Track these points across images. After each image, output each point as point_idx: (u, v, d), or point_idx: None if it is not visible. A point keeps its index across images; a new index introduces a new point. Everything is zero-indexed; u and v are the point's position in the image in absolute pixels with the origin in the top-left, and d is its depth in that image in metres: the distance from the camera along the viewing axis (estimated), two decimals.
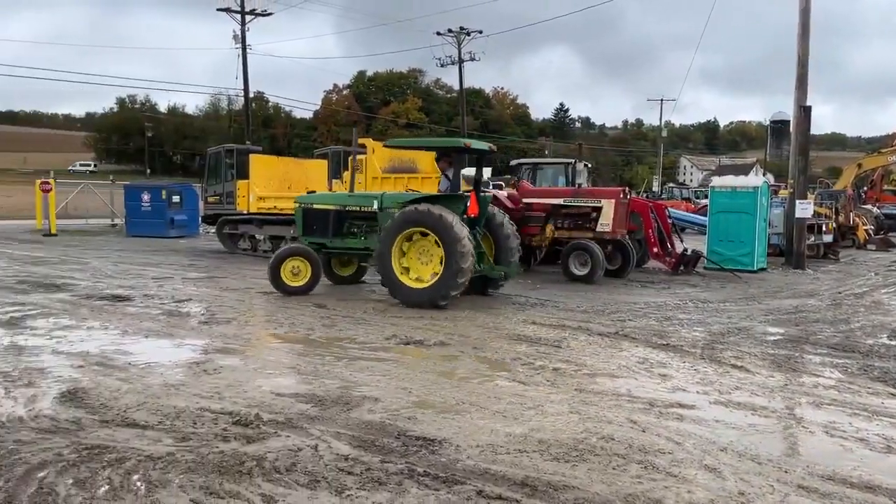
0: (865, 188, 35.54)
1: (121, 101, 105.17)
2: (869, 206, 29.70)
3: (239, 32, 38.58)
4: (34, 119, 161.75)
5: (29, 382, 5.54)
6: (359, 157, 21.04)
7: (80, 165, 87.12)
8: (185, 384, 5.63)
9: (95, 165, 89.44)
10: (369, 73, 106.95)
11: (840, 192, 25.71)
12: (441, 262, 9.43)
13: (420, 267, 9.74)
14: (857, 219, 23.94)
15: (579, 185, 13.97)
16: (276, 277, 10.32)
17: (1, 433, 4.34)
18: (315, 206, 11.02)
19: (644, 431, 4.73)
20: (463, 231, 9.30)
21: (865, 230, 24.11)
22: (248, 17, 38.86)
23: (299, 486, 3.70)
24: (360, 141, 22.57)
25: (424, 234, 9.59)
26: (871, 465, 4.22)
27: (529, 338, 7.72)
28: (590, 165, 15.31)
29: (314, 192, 11.54)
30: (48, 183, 24.01)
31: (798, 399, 5.70)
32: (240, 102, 63.53)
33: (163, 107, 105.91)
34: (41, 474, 3.71)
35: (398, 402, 5.27)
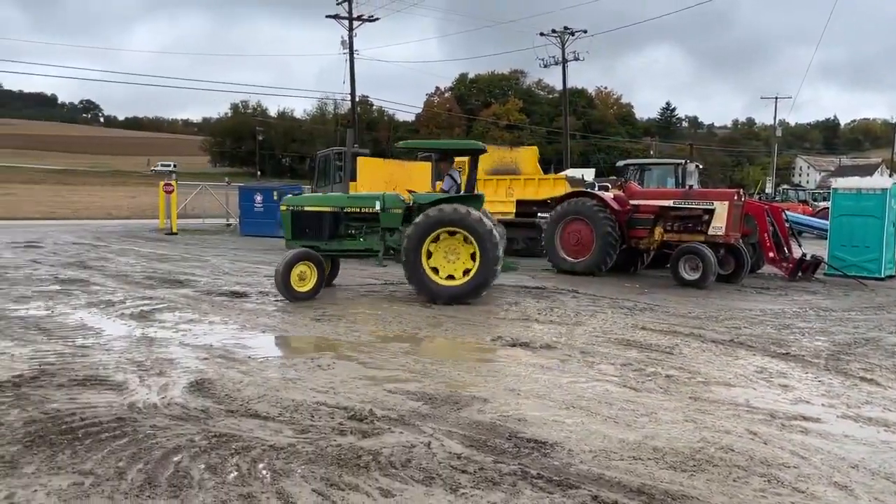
0: None
1: (234, 107, 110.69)
2: None
3: (347, 38, 39.71)
4: (156, 124, 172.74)
5: (160, 372, 5.91)
6: (463, 159, 21.26)
7: (161, 166, 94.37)
8: (301, 378, 5.85)
9: (175, 165, 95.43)
10: (471, 75, 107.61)
11: None
12: (471, 260, 9.81)
13: (446, 265, 9.91)
14: None
15: (690, 186, 13.52)
16: (287, 284, 9.81)
17: (138, 418, 4.65)
18: (306, 209, 10.63)
19: (766, 444, 4.53)
20: (494, 231, 9.76)
21: None
22: (355, 23, 39.95)
23: (415, 482, 3.78)
24: None
25: (452, 234, 9.83)
26: None
27: (639, 343, 7.55)
28: (701, 166, 14.79)
29: (300, 194, 11.28)
30: (171, 185, 25.50)
31: None
32: (345, 106, 65.33)
33: (273, 111, 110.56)
34: (176, 458, 3.95)
35: (507, 403, 5.28)
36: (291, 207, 10.66)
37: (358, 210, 10.55)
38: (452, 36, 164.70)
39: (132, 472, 3.75)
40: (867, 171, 68.84)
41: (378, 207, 10.40)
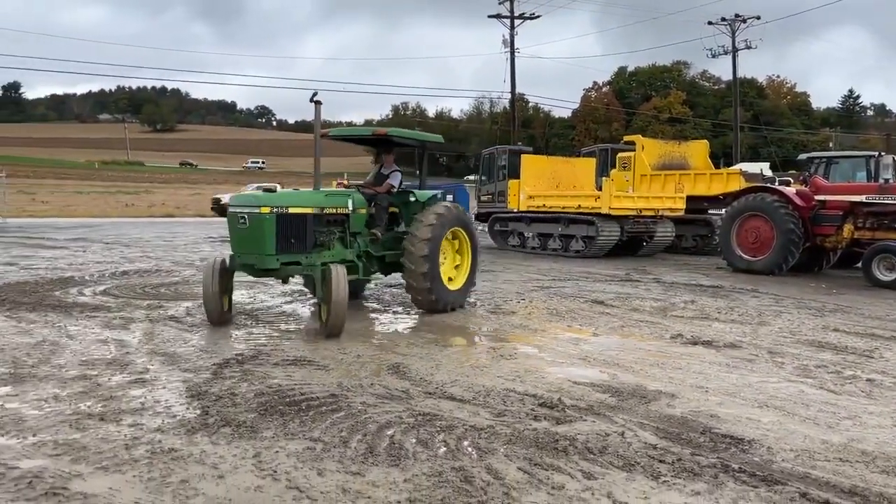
0: None
1: (395, 109, 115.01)
2: None
3: (508, 37, 40.07)
4: (323, 127, 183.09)
5: (358, 356, 6.40)
6: (627, 154, 20.88)
7: (251, 163, 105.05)
8: (487, 366, 6.12)
9: (263, 162, 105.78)
10: (630, 68, 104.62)
11: None
12: (458, 263, 9.28)
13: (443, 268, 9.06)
14: None
15: (886, 180, 12.50)
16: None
17: (348, 395, 5.09)
18: (290, 211, 7.73)
19: None
20: None
21: None
22: (516, 22, 40.24)
23: (614, 467, 3.89)
24: (629, 138, 22.37)
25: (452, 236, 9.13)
26: None
27: (833, 345, 7.17)
28: None
29: (274, 189, 7.71)
30: (343, 183, 27.06)
31: None
32: (501, 105, 65.83)
33: (431, 112, 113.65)
34: (389, 432, 4.32)
35: (696, 399, 5.25)
36: (276, 210, 7.57)
37: (334, 211, 8.29)
38: (611, 31, 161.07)
39: (354, 441, 4.15)
40: None
41: (350, 207, 8.41)
